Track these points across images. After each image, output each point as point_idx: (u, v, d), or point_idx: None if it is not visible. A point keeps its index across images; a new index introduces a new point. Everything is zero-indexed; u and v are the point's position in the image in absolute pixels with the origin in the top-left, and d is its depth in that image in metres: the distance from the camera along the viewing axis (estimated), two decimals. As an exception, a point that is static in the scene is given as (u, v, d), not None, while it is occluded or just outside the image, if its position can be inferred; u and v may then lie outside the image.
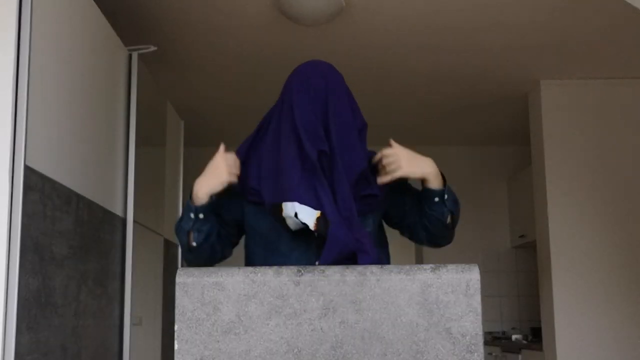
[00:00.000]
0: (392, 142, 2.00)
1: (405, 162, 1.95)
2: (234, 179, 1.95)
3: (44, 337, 2.27)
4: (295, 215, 1.84)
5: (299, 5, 3.43)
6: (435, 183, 1.98)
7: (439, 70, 4.39)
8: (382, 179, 1.97)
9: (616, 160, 4.51)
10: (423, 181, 1.99)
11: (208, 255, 2.00)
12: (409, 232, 2.11)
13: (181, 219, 1.97)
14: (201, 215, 1.93)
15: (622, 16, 3.63)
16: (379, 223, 2.08)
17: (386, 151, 1.97)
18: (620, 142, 4.53)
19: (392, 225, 2.15)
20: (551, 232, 4.45)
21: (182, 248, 2.01)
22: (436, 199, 1.97)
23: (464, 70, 4.39)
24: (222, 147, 1.97)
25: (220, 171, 1.93)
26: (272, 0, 3.45)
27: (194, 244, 1.96)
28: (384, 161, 1.97)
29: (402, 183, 2.07)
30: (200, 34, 3.81)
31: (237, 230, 2.06)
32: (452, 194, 2.01)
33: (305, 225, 1.85)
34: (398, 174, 1.95)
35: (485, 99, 4.97)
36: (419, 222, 2.05)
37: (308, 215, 1.84)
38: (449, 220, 2.01)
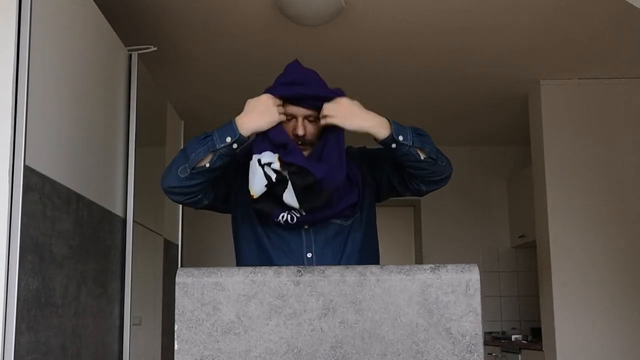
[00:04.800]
0: (340, 98, 2.02)
1: (340, 113, 1.98)
2: (284, 118, 2.00)
3: (43, 337, 2.27)
4: (259, 162, 1.94)
5: (299, 5, 3.43)
6: (381, 132, 1.98)
7: (439, 70, 4.38)
8: (321, 122, 2.02)
9: (616, 160, 4.51)
10: (375, 138, 2.01)
11: (199, 184, 1.99)
12: (406, 188, 2.13)
13: (206, 136, 1.97)
14: (235, 146, 1.95)
15: (622, 16, 3.63)
16: (367, 223, 2.13)
17: (328, 104, 2.00)
18: (620, 142, 4.53)
19: (393, 193, 2.18)
20: (551, 232, 4.45)
21: (184, 160, 1.98)
22: (393, 145, 1.98)
23: (464, 70, 4.39)
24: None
25: (271, 110, 1.98)
26: (272, 1, 3.45)
27: (207, 165, 1.96)
28: (323, 111, 2.00)
29: (372, 158, 2.15)
30: (200, 34, 3.81)
31: (222, 193, 2.10)
32: (407, 131, 1.99)
33: (270, 175, 1.94)
34: (329, 121, 1.99)
35: (485, 99, 4.97)
36: (406, 175, 2.08)
37: (269, 157, 1.95)
38: (422, 156, 2.01)
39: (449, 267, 1.52)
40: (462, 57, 4.17)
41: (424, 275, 1.50)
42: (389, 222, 7.78)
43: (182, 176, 1.97)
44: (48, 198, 2.31)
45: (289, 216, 2.01)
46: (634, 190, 4.47)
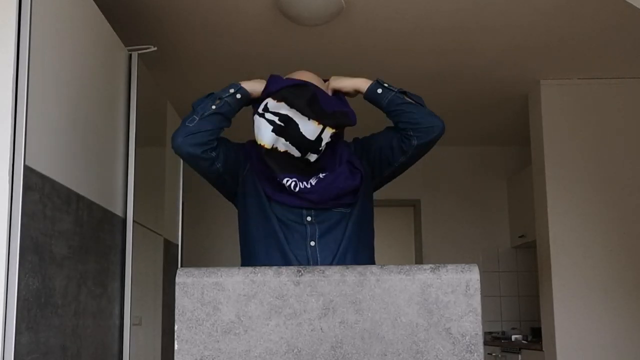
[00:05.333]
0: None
1: (332, 80, 2.21)
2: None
3: (43, 337, 2.27)
4: (258, 113, 2.08)
5: (299, 5, 3.43)
6: (367, 85, 2.19)
7: (438, 70, 4.38)
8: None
9: (616, 160, 4.51)
10: (363, 96, 2.19)
11: (209, 131, 2.08)
12: (399, 150, 2.17)
13: (210, 94, 2.13)
14: (238, 96, 2.13)
15: (622, 16, 3.63)
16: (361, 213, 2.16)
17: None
18: (620, 142, 4.53)
19: (389, 167, 2.21)
20: (551, 232, 4.45)
21: (192, 114, 2.10)
22: (379, 90, 2.16)
23: (463, 70, 4.39)
24: None
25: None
26: (272, 1, 3.45)
27: (214, 107, 2.09)
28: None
29: (365, 143, 2.23)
30: (200, 34, 3.81)
31: (230, 166, 2.17)
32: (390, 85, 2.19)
33: (272, 119, 2.05)
34: (331, 85, 2.19)
35: (485, 99, 4.97)
36: (399, 130, 2.15)
37: (263, 104, 2.09)
38: (408, 99, 2.15)
39: (449, 267, 1.52)
40: (462, 57, 4.17)
41: (424, 275, 1.50)
42: (389, 222, 7.79)
43: (191, 125, 2.07)
44: (48, 198, 2.31)
45: (292, 182, 2.05)
46: (633, 190, 4.47)
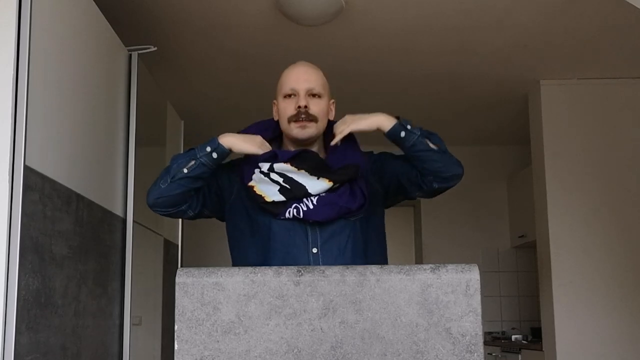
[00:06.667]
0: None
1: (350, 120, 2.08)
2: (263, 151, 2.05)
3: (43, 337, 2.27)
4: (261, 171, 2.02)
5: (299, 5, 3.43)
6: (390, 122, 2.06)
7: (438, 70, 4.38)
8: (334, 141, 2.08)
9: (616, 160, 4.51)
10: (385, 134, 2.07)
11: (180, 194, 2.05)
12: (418, 187, 2.15)
13: (190, 149, 2.07)
14: (215, 155, 2.02)
15: (622, 16, 3.63)
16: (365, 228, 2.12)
17: (337, 123, 2.11)
18: (620, 142, 4.52)
19: (402, 194, 2.20)
20: (551, 232, 4.45)
21: (166, 174, 2.06)
22: (402, 133, 2.05)
23: (463, 70, 4.39)
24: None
25: (257, 140, 2.06)
26: (272, 0, 3.45)
27: (185, 171, 2.03)
28: (335, 130, 2.09)
29: (383, 162, 2.17)
30: (200, 34, 3.81)
31: (212, 201, 2.13)
32: (413, 124, 2.09)
33: (276, 180, 2.01)
34: (346, 130, 2.07)
35: (485, 99, 4.97)
36: (418, 171, 2.11)
37: (266, 165, 2.03)
38: (432, 145, 2.07)
39: (449, 267, 1.52)
40: (462, 57, 4.17)
41: (424, 275, 1.50)
42: (389, 222, 7.75)
43: (163, 186, 2.05)
44: (48, 198, 2.31)
45: (294, 210, 2.02)
46: (634, 190, 4.47)
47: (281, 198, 2.01)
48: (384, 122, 2.06)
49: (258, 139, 2.08)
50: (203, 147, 2.04)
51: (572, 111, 4.57)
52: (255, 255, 2.06)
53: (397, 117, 2.08)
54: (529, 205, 5.11)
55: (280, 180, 2.01)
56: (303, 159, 2.02)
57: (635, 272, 4.37)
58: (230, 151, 2.05)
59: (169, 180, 2.04)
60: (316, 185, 2.01)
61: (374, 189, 2.14)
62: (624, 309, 4.35)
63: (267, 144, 2.09)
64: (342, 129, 2.07)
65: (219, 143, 2.03)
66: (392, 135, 2.06)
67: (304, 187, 2.01)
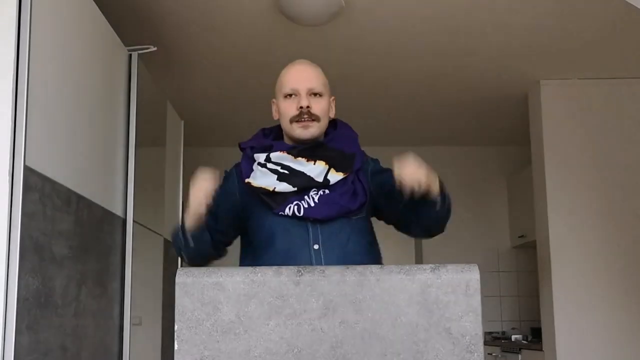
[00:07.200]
0: (411, 157, 1.95)
1: (428, 178, 1.92)
2: (202, 210, 1.97)
3: (43, 337, 2.27)
4: (259, 163, 2.04)
5: (299, 5, 3.43)
6: (437, 190, 1.96)
7: (438, 70, 4.38)
8: (405, 197, 1.94)
9: (616, 160, 4.51)
10: (425, 193, 1.96)
11: (203, 253, 2.08)
12: (405, 228, 2.17)
13: (181, 226, 2.05)
14: (186, 234, 2.02)
15: (622, 16, 3.63)
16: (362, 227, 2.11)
17: (398, 162, 1.94)
18: (620, 142, 4.53)
19: (388, 222, 2.19)
20: (551, 232, 4.45)
21: (178, 249, 2.09)
22: (438, 207, 2.00)
23: (464, 70, 4.39)
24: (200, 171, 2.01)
25: (194, 204, 1.98)
26: (272, 0, 3.45)
27: (192, 244, 2.04)
28: (406, 179, 1.92)
29: (380, 176, 2.13)
30: (200, 34, 3.81)
31: (231, 227, 2.12)
32: (448, 195, 2.02)
33: (274, 168, 2.02)
34: (423, 189, 1.92)
35: (485, 99, 4.97)
36: (416, 222, 2.09)
37: (262, 157, 2.05)
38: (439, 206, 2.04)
39: (449, 267, 1.52)
40: (462, 57, 4.17)
41: (424, 275, 1.50)
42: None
43: (187, 253, 2.07)
44: (48, 198, 2.31)
45: (295, 207, 2.02)
46: (634, 190, 4.47)
47: (280, 185, 2.01)
48: (434, 185, 1.95)
49: (193, 197, 1.97)
50: (177, 237, 2.05)
51: (572, 111, 4.57)
52: (256, 252, 2.07)
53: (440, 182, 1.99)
54: (529, 205, 5.11)
55: (278, 168, 2.03)
56: (298, 148, 2.05)
57: (635, 272, 4.37)
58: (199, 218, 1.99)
59: (187, 253, 2.07)
60: (313, 169, 2.02)
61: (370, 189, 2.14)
62: (624, 309, 4.35)
63: (208, 179, 1.99)
64: (422, 182, 1.91)
65: (178, 227, 2.05)
66: (428, 197, 1.95)
67: (302, 172, 2.02)
